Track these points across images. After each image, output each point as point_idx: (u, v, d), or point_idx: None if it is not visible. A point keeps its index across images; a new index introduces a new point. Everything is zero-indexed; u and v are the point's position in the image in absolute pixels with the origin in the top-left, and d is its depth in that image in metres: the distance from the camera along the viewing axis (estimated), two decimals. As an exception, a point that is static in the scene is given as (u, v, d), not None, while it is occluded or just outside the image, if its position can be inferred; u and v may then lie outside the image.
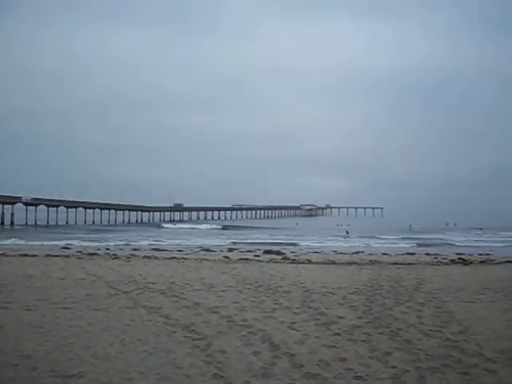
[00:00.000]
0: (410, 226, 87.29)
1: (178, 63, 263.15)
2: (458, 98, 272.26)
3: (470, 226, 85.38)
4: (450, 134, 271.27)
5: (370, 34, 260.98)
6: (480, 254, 33.31)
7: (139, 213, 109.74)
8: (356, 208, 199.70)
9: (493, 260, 27.39)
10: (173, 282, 15.83)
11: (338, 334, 9.34)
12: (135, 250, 33.70)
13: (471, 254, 33.02)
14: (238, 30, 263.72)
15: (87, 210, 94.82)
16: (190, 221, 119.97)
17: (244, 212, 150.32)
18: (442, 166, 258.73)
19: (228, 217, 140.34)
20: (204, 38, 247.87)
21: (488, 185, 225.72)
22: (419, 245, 46.64)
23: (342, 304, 12.52)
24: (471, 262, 26.04)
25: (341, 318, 10.79)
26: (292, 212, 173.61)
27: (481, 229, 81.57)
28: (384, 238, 55.39)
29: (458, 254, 33.54)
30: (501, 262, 25.91)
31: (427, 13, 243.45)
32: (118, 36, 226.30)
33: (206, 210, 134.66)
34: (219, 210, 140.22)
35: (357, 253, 34.21)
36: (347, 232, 62.13)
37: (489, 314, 11.45)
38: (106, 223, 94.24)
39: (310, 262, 25.10)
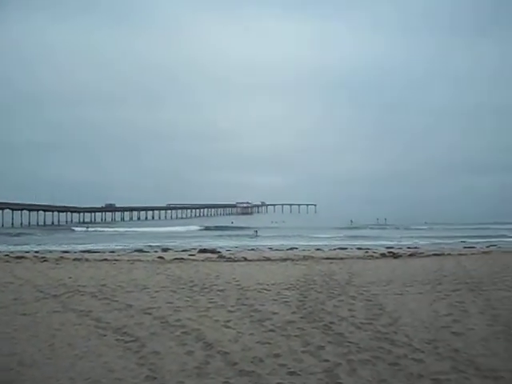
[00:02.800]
0: (351, 221, 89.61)
1: (109, 61, 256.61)
2: (393, 95, 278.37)
3: (409, 222, 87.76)
4: (385, 131, 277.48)
5: (296, 30, 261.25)
6: (409, 248, 34.55)
7: (69, 214, 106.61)
8: (290, 205, 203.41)
9: (421, 253, 28.38)
10: (104, 285, 15.45)
11: (271, 331, 9.39)
12: (65, 252, 32.74)
13: (400, 248, 34.18)
14: (170, 26, 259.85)
15: (14, 212, 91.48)
16: (123, 222, 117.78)
17: (179, 211, 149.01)
18: (377, 164, 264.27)
19: (162, 216, 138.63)
20: (133, 34, 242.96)
21: (421, 182, 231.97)
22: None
23: (276, 300, 12.60)
24: (400, 256, 26.89)
25: (275, 313, 10.86)
26: (228, 210, 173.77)
27: (426, 222, 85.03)
28: (322, 238, 55.58)
29: (387, 247, 34.61)
30: (428, 255, 26.91)
31: (354, 7, 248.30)
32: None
33: (139, 209, 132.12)
34: (153, 209, 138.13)
35: (291, 249, 34.66)
36: (256, 231, 61.54)
37: (417, 305, 11.83)
38: (35, 224, 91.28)
39: (245, 259, 25.16)
